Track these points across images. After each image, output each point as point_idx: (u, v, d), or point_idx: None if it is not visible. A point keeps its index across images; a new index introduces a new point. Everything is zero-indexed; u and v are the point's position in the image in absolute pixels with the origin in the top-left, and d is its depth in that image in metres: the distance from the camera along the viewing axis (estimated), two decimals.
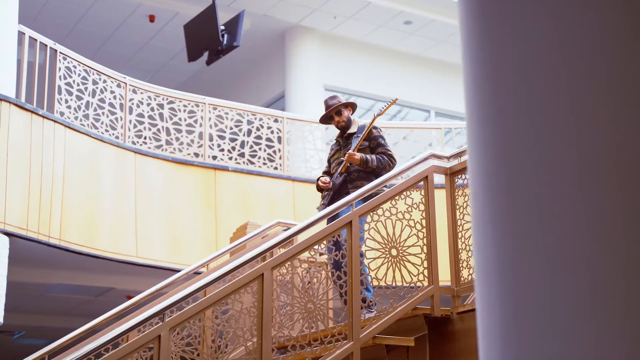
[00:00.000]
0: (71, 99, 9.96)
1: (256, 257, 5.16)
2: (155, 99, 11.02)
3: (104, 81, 10.48)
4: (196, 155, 11.07)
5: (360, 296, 5.36)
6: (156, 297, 7.62)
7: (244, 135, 11.49)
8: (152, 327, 4.98)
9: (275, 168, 11.52)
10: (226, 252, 7.91)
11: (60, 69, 9.91)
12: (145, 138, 10.75)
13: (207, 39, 13.06)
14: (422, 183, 5.81)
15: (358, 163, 6.49)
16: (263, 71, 16.17)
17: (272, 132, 11.71)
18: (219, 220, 10.78)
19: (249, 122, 11.57)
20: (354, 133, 6.72)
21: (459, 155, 5.89)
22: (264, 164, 11.46)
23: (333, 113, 6.76)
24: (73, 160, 9.60)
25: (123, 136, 10.44)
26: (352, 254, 5.42)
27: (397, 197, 5.69)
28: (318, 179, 6.74)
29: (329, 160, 6.97)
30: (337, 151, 6.83)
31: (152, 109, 10.93)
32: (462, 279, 5.69)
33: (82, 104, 10.08)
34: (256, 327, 5.01)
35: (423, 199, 5.79)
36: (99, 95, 10.34)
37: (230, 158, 11.29)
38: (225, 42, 12.81)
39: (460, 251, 5.73)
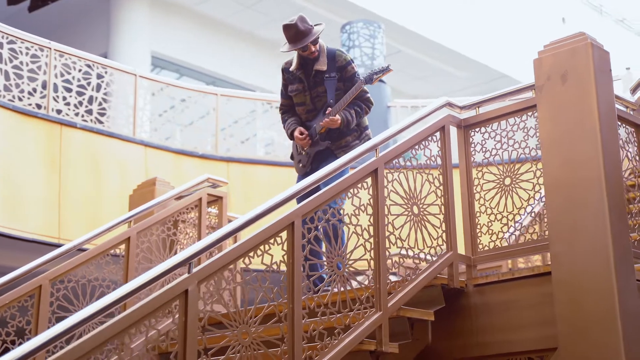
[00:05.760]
0: None
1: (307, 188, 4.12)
2: None
3: None
4: (38, 106, 9.51)
5: (387, 258, 4.48)
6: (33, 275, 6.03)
7: (92, 89, 10.06)
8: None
9: (127, 130, 10.20)
10: (127, 221, 6.52)
11: None
12: None
13: None
14: (438, 134, 5.03)
15: (339, 126, 5.57)
16: (84, 27, 14.56)
17: (124, 91, 10.38)
18: (64, 182, 9.32)
19: (99, 76, 10.16)
20: (325, 72, 5.66)
21: (477, 105, 5.16)
22: (114, 124, 10.11)
23: (309, 43, 5.65)
24: None
25: None
26: (377, 208, 4.52)
27: (416, 147, 4.87)
28: (292, 132, 5.70)
29: (282, 93, 5.85)
30: (302, 92, 5.73)
31: None
32: (479, 246, 4.96)
33: None
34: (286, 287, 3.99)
35: (440, 152, 5.01)
36: None
37: (77, 114, 9.84)
38: None
39: (478, 215, 5.00)
